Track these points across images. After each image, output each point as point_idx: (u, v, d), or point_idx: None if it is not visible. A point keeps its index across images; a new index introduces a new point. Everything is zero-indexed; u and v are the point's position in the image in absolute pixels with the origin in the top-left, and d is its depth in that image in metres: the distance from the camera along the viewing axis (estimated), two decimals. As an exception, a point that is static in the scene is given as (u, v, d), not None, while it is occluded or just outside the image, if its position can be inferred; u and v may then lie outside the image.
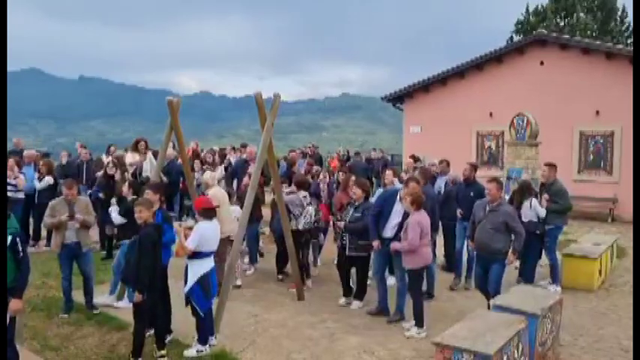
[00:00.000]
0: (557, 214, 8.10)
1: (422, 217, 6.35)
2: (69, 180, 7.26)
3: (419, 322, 6.35)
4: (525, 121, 10.71)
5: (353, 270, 7.45)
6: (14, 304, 4.64)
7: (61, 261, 6.86)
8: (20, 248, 4.68)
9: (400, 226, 6.60)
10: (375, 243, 6.80)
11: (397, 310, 6.79)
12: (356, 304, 7.30)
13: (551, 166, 8.44)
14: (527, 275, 8.02)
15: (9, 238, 4.63)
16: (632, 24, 31.24)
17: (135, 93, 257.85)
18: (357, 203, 7.23)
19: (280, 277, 8.58)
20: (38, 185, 10.27)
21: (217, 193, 7.29)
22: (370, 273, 7.47)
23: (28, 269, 4.80)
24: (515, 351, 4.69)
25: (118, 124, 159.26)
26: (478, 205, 6.87)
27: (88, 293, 6.97)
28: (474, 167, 8.81)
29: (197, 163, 11.96)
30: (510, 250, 6.46)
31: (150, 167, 10.72)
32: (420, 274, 6.50)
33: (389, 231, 6.80)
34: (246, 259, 8.93)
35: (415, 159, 11.47)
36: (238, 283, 8.04)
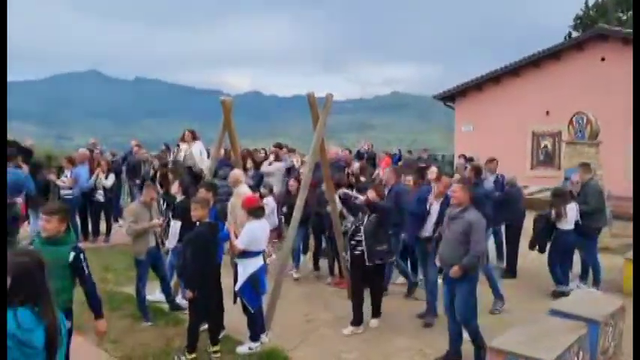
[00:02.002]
0: (590, 216, 7.81)
1: None
2: (150, 185, 7.10)
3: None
4: (585, 120, 10.34)
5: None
6: (100, 325, 4.37)
7: (143, 267, 6.55)
8: (84, 265, 4.25)
9: (438, 225, 6.42)
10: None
11: (432, 312, 6.66)
12: (375, 322, 6.61)
13: (585, 166, 8.16)
14: (556, 277, 7.75)
15: (71, 254, 4.18)
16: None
17: (186, 93, 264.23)
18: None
19: (316, 273, 8.79)
20: (108, 184, 10.73)
21: (245, 191, 7.27)
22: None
23: (94, 285, 4.40)
24: (576, 358, 4.52)
25: (171, 123, 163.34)
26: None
27: (169, 294, 6.95)
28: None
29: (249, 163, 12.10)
30: (458, 264, 5.25)
31: (199, 156, 11.01)
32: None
33: (427, 230, 6.64)
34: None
35: (466, 159, 11.24)
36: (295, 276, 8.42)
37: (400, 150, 20.94)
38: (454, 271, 5.25)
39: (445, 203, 6.36)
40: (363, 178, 10.08)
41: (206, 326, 5.79)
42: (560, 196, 7.78)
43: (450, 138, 24.31)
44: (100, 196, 10.83)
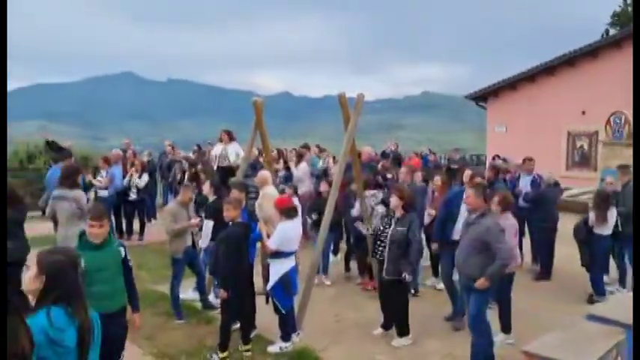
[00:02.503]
0: (628, 219, 7.59)
1: (506, 220, 6.07)
2: (187, 186, 7.26)
3: (506, 329, 6.11)
4: (623, 120, 10.08)
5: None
6: (137, 318, 4.53)
7: (179, 265, 6.67)
8: (131, 263, 4.37)
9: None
10: (435, 246, 6.51)
11: (459, 315, 6.49)
12: (401, 341, 6.04)
13: (624, 168, 7.94)
14: (597, 288, 7.53)
15: (122, 250, 4.31)
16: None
17: (218, 94, 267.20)
18: (397, 215, 6.05)
19: (347, 274, 8.75)
20: (142, 184, 10.93)
21: (272, 192, 7.29)
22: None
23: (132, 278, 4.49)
24: (613, 364, 4.40)
25: (202, 123, 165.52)
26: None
27: (204, 292, 7.04)
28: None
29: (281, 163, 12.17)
30: (484, 276, 5.01)
31: (235, 155, 11.13)
32: (509, 280, 6.18)
33: (457, 233, 6.34)
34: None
35: (499, 159, 11.08)
36: (327, 282, 8.31)
37: (430, 150, 20.74)
38: (480, 283, 4.99)
39: None
40: (389, 175, 10.05)
41: (238, 325, 5.86)
42: (606, 201, 7.56)
43: (482, 138, 24.00)
44: (133, 195, 11.06)
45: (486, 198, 5.57)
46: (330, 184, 7.88)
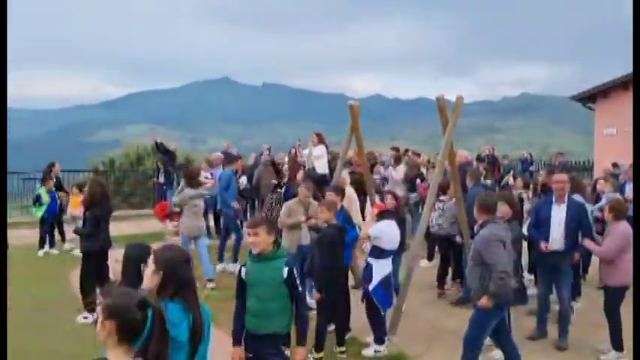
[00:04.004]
0: None
1: (625, 228, 5.66)
2: (308, 183, 7.47)
3: (618, 346, 5.68)
4: None
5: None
6: (300, 354, 3.87)
7: (293, 262, 6.99)
8: (298, 281, 3.79)
9: (570, 236, 5.85)
10: (544, 243, 5.91)
11: (564, 335, 6.00)
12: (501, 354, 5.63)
13: None
14: None
15: (284, 270, 3.74)
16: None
17: (311, 97, 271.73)
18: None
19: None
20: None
21: (350, 193, 7.34)
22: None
23: (307, 308, 3.99)
24: None
25: (296, 126, 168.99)
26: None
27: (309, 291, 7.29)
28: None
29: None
30: (486, 295, 4.71)
31: (317, 160, 11.27)
32: (619, 294, 5.75)
33: (556, 243, 5.89)
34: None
35: (614, 165, 10.36)
36: None
37: (531, 154, 19.78)
38: (482, 303, 4.71)
39: (573, 207, 5.87)
40: (488, 181, 9.72)
41: (333, 327, 5.90)
42: None
43: (588, 142, 22.57)
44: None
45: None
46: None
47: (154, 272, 2.65)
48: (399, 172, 10.80)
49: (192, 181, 8.33)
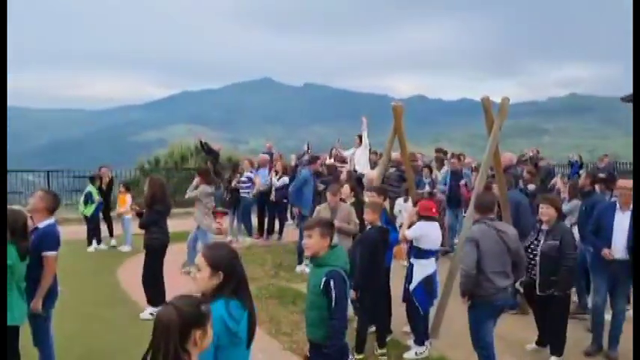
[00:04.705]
0: None
1: None
2: (335, 186, 7.44)
3: None
4: None
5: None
6: None
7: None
8: (334, 292, 3.55)
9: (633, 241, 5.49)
10: (607, 251, 5.61)
11: (615, 344, 5.71)
12: None
13: None
14: None
15: (323, 279, 3.57)
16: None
17: (352, 98, 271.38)
18: (546, 227, 5.52)
19: None
20: (277, 183, 11.47)
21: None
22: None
23: (340, 321, 3.65)
24: None
25: (336, 127, 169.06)
26: None
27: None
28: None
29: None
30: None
31: (360, 158, 11.33)
32: None
33: (619, 251, 5.59)
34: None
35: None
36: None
37: (580, 157, 19.20)
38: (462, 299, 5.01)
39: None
40: (532, 186, 9.47)
41: (374, 328, 5.89)
42: None
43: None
44: (272, 196, 11.60)
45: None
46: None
47: (211, 275, 2.62)
48: (441, 175, 10.72)
49: (207, 178, 9.02)
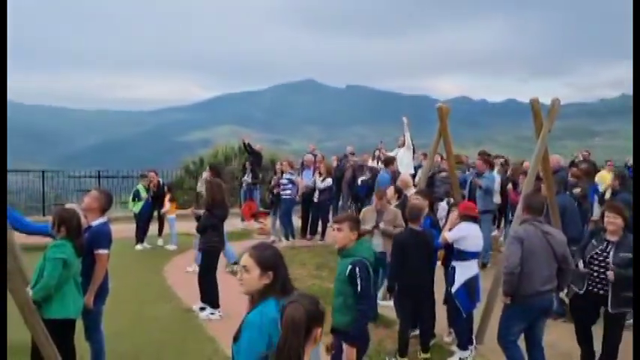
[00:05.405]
0: None
1: None
2: (380, 189, 7.45)
3: None
4: None
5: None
6: (348, 353, 4.12)
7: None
8: (359, 279, 3.93)
9: None
10: None
11: None
12: None
13: None
14: None
15: (348, 267, 3.99)
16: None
17: (394, 99, 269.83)
18: (614, 238, 5.02)
19: None
20: (321, 185, 11.51)
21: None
22: None
23: (367, 306, 4.07)
24: None
25: (379, 129, 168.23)
26: None
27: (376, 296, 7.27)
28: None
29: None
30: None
31: (403, 159, 11.25)
32: None
33: None
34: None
35: None
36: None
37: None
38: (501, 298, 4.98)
39: None
40: (578, 190, 9.15)
41: (417, 332, 5.83)
42: None
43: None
44: (316, 197, 11.65)
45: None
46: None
47: (261, 275, 2.64)
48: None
49: (218, 174, 9.22)
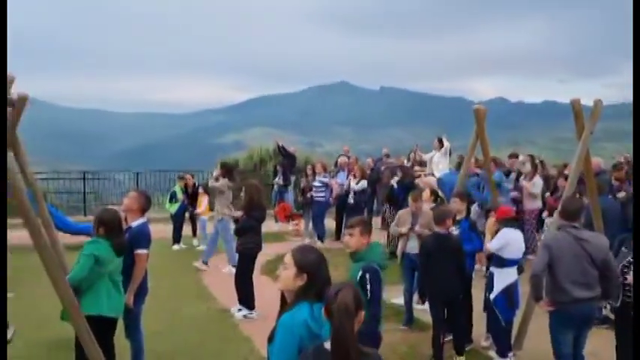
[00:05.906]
0: None
1: None
2: (416, 192, 7.40)
3: None
4: None
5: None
6: None
7: (404, 270, 6.88)
8: (368, 286, 3.96)
9: None
10: None
11: None
12: None
13: None
14: None
15: (359, 272, 4.02)
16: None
17: (430, 101, 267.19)
18: None
19: None
20: (355, 187, 11.51)
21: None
22: None
23: (375, 316, 3.95)
24: None
25: (413, 131, 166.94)
26: None
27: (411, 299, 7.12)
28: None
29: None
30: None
31: (439, 160, 11.17)
32: None
33: None
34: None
35: None
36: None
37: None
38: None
39: None
40: (622, 194, 8.88)
41: (451, 336, 5.76)
42: None
43: None
44: (351, 199, 11.63)
45: None
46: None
47: (296, 275, 2.64)
48: (534, 185, 9.91)
49: (229, 174, 9.55)
